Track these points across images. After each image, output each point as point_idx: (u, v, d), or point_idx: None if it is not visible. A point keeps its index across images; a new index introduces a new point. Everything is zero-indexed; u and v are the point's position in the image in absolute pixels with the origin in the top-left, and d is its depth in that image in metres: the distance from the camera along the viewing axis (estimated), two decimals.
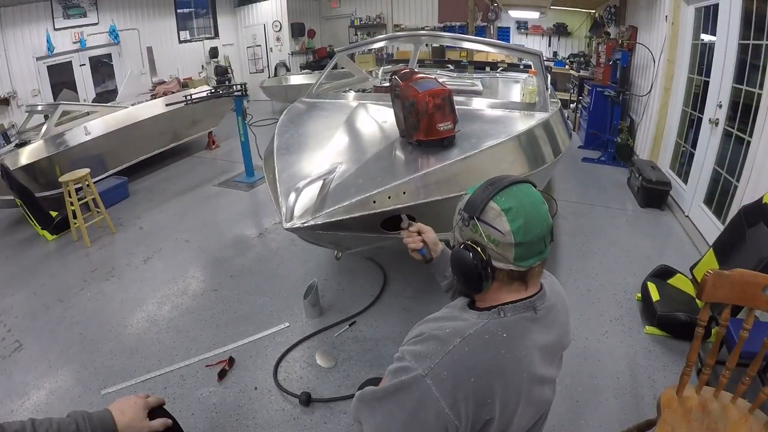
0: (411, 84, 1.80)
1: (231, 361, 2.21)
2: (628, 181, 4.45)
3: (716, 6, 3.35)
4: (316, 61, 9.99)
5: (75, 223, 3.61)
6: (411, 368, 0.80)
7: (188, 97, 4.84)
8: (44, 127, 4.33)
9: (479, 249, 0.85)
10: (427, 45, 8.46)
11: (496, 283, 0.87)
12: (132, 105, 5.24)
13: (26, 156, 4.01)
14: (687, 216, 3.63)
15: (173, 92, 5.88)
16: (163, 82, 7.18)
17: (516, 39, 9.13)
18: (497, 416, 0.80)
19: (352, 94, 3.10)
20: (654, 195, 3.84)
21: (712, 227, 3.13)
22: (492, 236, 0.83)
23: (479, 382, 0.79)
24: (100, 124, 4.69)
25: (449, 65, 6.12)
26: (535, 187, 0.88)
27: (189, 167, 5.62)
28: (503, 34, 9.19)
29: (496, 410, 0.80)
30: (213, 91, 5.01)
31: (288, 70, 9.71)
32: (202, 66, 9.58)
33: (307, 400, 1.94)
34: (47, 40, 6.64)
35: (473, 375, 0.79)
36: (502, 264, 0.85)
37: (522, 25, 9.02)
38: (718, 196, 3.20)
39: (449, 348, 0.81)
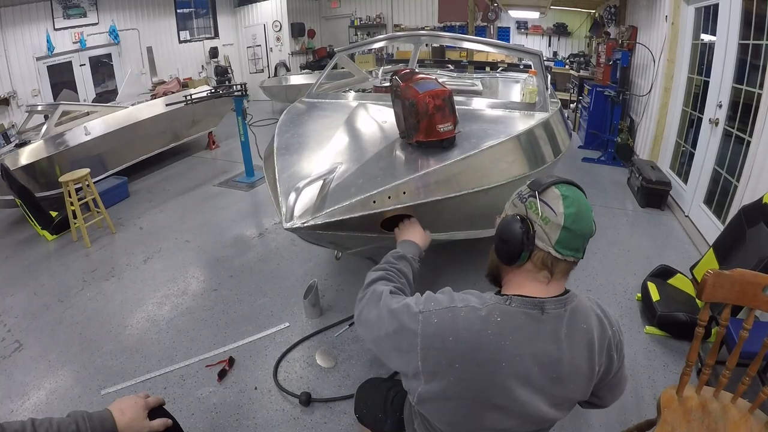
0: (411, 84, 1.79)
1: (231, 361, 2.21)
2: (628, 181, 4.45)
3: (716, 6, 3.35)
4: (316, 61, 9.99)
5: (75, 223, 3.61)
6: (419, 303, 0.94)
7: (188, 97, 4.84)
8: (44, 127, 4.33)
9: (529, 222, 0.91)
10: (427, 45, 8.45)
11: (529, 263, 0.93)
12: (132, 105, 5.24)
13: (26, 156, 4.01)
14: (687, 216, 3.63)
15: (173, 92, 5.88)
16: (163, 82, 7.20)
17: (516, 39, 9.13)
18: (463, 389, 0.88)
19: (352, 94, 3.10)
20: (654, 195, 3.84)
21: (712, 227, 3.13)
22: (545, 214, 0.89)
23: (455, 345, 0.87)
24: (100, 124, 4.69)
25: (449, 65, 6.12)
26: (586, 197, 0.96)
27: (189, 167, 5.62)
28: (503, 34, 9.19)
29: (464, 380, 0.87)
30: (213, 91, 5.02)
31: (288, 70, 9.71)
32: (202, 66, 9.59)
33: (307, 400, 1.94)
34: (47, 40, 6.64)
35: (453, 335, 0.87)
36: (543, 244, 0.90)
37: (522, 25, 9.02)
38: (718, 196, 3.20)
39: (451, 305, 0.91)
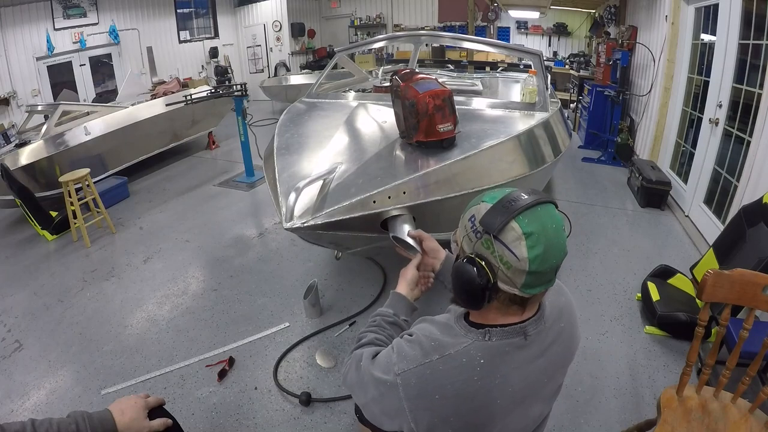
0: (411, 84, 1.79)
1: (231, 361, 2.21)
2: (628, 180, 4.45)
3: (716, 6, 3.35)
4: (316, 61, 9.99)
5: (75, 223, 3.61)
6: (392, 363, 0.88)
7: (188, 97, 4.84)
8: (44, 127, 4.33)
9: (487, 268, 0.79)
10: (427, 45, 8.46)
11: (495, 303, 0.84)
12: (132, 105, 5.24)
13: (26, 156, 4.01)
14: (687, 216, 3.63)
15: (173, 92, 5.88)
16: (163, 82, 7.19)
17: (516, 39, 9.13)
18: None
19: (352, 94, 3.10)
20: (654, 195, 3.84)
21: (712, 227, 3.13)
22: (505, 258, 0.77)
23: (443, 401, 0.82)
24: (100, 124, 4.69)
25: (449, 65, 6.13)
26: (557, 207, 0.82)
27: (189, 167, 5.62)
28: (503, 34, 9.19)
29: (463, 427, 0.83)
30: (213, 91, 5.01)
31: (288, 70, 9.71)
32: (202, 66, 9.58)
33: (307, 400, 1.94)
34: (47, 40, 6.64)
35: (438, 393, 0.82)
36: (507, 287, 0.80)
37: (522, 25, 9.02)
38: (718, 195, 3.20)
39: (426, 360, 0.84)
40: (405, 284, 1.20)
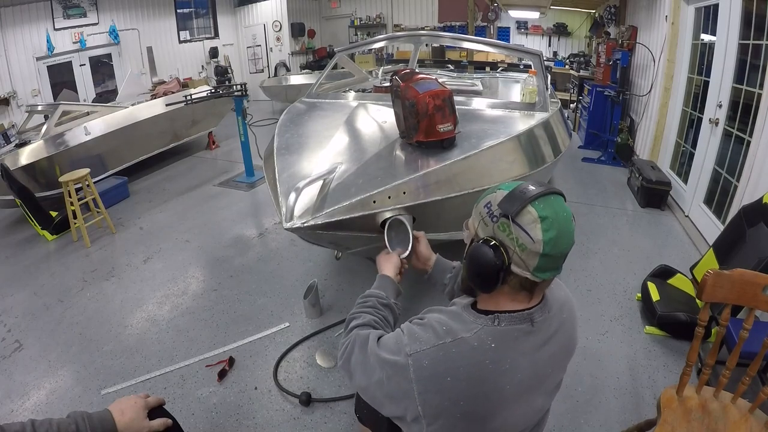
0: (411, 84, 1.79)
1: (231, 361, 2.21)
2: (628, 181, 4.46)
3: (716, 6, 3.35)
4: (316, 61, 9.99)
5: (75, 223, 3.61)
6: (403, 344, 0.88)
7: (188, 97, 4.84)
8: (44, 127, 4.33)
9: (503, 249, 0.83)
10: (427, 45, 8.46)
11: (506, 287, 0.87)
12: (132, 105, 5.24)
13: (26, 156, 4.01)
14: (687, 216, 3.63)
15: (173, 92, 5.88)
16: (163, 82, 7.19)
17: (516, 39, 9.13)
18: (471, 421, 0.84)
19: (352, 94, 3.10)
20: (654, 195, 3.84)
21: (712, 227, 3.13)
22: (521, 240, 0.81)
23: (455, 384, 0.83)
24: (100, 124, 4.69)
25: (449, 65, 6.13)
26: (565, 199, 0.87)
27: (189, 167, 5.62)
28: (503, 34, 9.19)
29: (471, 413, 0.84)
30: (213, 91, 5.01)
31: (288, 70, 9.71)
32: (202, 66, 9.59)
33: (307, 400, 1.94)
34: (47, 40, 6.64)
35: (450, 375, 0.83)
36: (519, 270, 0.83)
37: (522, 25, 9.02)
38: (718, 196, 3.20)
39: (439, 342, 0.86)
40: (392, 268, 1.26)
